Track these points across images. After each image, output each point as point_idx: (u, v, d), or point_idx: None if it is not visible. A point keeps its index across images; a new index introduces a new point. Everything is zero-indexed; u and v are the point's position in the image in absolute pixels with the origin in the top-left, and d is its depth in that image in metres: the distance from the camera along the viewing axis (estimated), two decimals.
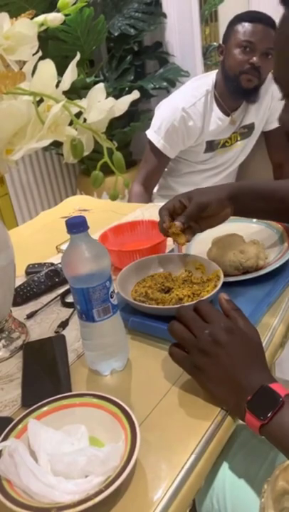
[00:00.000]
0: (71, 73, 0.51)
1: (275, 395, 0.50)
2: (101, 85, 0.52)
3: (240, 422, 0.58)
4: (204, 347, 0.55)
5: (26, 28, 0.51)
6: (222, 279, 0.73)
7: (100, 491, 0.44)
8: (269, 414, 0.49)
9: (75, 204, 1.35)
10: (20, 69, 0.53)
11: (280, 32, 0.57)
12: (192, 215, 0.76)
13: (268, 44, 1.38)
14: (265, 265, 0.80)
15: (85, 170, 2.50)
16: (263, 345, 0.65)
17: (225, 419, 0.56)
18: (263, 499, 0.38)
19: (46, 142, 0.48)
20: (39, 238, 1.16)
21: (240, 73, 1.41)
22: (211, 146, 1.55)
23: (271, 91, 1.55)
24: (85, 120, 0.51)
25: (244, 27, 1.39)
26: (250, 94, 1.46)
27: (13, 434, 0.52)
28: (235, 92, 1.45)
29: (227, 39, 1.45)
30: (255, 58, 1.38)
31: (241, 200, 0.81)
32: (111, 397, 0.55)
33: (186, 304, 0.69)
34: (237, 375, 0.53)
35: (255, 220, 0.95)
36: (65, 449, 0.50)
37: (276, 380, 0.53)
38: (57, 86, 0.52)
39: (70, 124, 0.52)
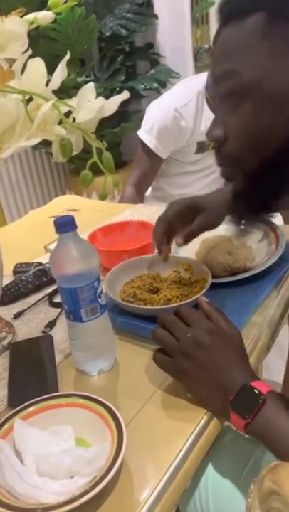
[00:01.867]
0: (61, 72, 0.51)
1: (257, 393, 0.50)
2: (91, 85, 0.52)
3: (226, 422, 0.58)
4: (187, 350, 0.55)
5: (16, 25, 0.50)
6: (210, 281, 0.73)
7: (86, 492, 0.44)
8: (252, 413, 0.49)
9: (64, 204, 1.34)
10: (10, 67, 0.52)
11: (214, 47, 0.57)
12: (195, 234, 0.78)
13: None
14: (252, 267, 0.81)
15: (74, 169, 2.49)
16: (250, 346, 0.66)
17: (211, 419, 0.56)
18: (249, 499, 0.38)
19: (35, 141, 0.48)
20: (27, 237, 1.15)
21: None
22: (202, 147, 1.56)
23: None
24: (74, 120, 0.51)
25: None
26: None
27: None
28: None
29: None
30: None
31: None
32: (98, 398, 0.55)
33: (174, 304, 0.69)
34: (220, 376, 0.54)
35: (243, 221, 0.95)
36: (51, 449, 0.49)
37: (259, 378, 0.53)
38: (47, 85, 0.51)
39: (60, 123, 0.52)
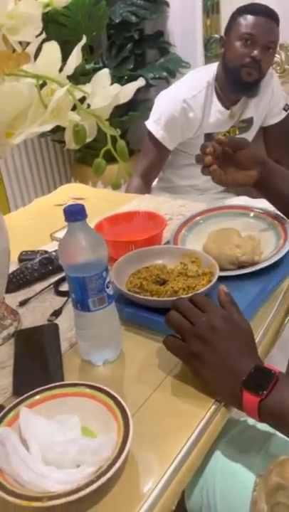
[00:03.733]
0: (76, 57, 0.50)
1: (270, 371, 0.52)
2: (106, 71, 0.51)
3: (233, 415, 0.58)
4: (201, 333, 0.56)
5: (31, 7, 0.49)
6: (217, 273, 0.72)
7: (91, 482, 0.43)
8: (267, 388, 0.50)
9: (69, 192, 1.33)
10: (23, 50, 0.51)
11: None
12: (232, 142, 0.81)
13: (270, 37, 1.37)
14: (260, 260, 0.80)
15: (80, 158, 2.47)
16: (257, 340, 0.66)
17: (218, 411, 0.56)
18: (254, 492, 0.38)
19: (48, 127, 0.47)
20: (33, 225, 1.14)
21: (240, 66, 1.40)
22: (209, 138, 1.54)
23: (272, 86, 1.55)
24: (88, 106, 0.50)
25: (246, 19, 1.38)
26: (250, 88, 1.45)
27: (4, 423, 0.51)
28: (235, 85, 1.44)
29: (229, 31, 1.44)
30: (256, 52, 1.37)
31: (268, 168, 0.84)
32: (104, 388, 0.54)
33: (182, 296, 0.69)
34: (232, 360, 0.55)
35: (252, 214, 0.94)
36: (57, 438, 0.49)
37: None
38: (60, 70, 0.50)
39: (73, 109, 0.51)
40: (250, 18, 1.38)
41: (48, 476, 0.45)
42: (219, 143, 0.81)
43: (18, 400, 0.54)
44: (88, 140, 0.51)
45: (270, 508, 0.36)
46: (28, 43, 0.52)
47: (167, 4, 2.24)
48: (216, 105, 1.49)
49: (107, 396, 0.53)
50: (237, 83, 1.43)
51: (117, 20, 2.18)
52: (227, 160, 0.83)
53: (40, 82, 0.49)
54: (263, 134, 1.68)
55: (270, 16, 1.37)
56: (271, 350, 0.74)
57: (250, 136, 1.63)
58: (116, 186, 0.53)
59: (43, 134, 2.30)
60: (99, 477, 0.44)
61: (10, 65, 0.45)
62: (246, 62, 1.38)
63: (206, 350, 0.55)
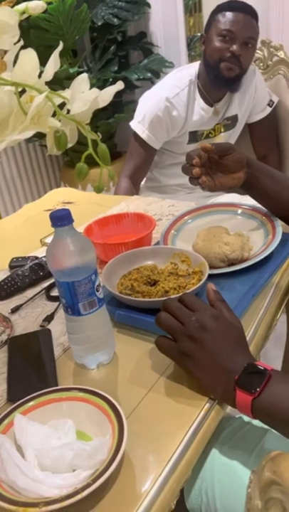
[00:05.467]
0: (54, 63, 0.50)
1: (262, 369, 0.52)
2: (84, 75, 0.51)
3: (228, 412, 0.58)
4: (192, 333, 0.56)
5: (7, 16, 0.49)
6: (207, 272, 0.73)
7: (88, 485, 0.44)
8: (259, 386, 0.50)
9: (59, 196, 1.33)
10: (1, 58, 0.52)
11: None
12: (217, 148, 0.82)
13: (248, 33, 1.38)
14: (249, 257, 0.81)
15: (69, 162, 2.47)
16: (249, 336, 0.67)
17: (212, 409, 0.56)
18: (249, 489, 0.39)
19: (29, 134, 0.47)
20: (23, 231, 1.14)
21: (220, 61, 1.41)
22: (195, 136, 1.55)
23: (255, 83, 1.55)
24: (68, 111, 0.51)
25: (225, 16, 1.40)
26: (232, 83, 1.46)
27: None
28: (216, 80, 1.45)
29: (208, 29, 1.45)
30: (235, 47, 1.38)
31: (254, 169, 0.85)
32: (98, 391, 0.55)
33: (172, 296, 0.69)
34: (224, 359, 0.55)
35: (240, 211, 0.95)
36: (52, 443, 0.49)
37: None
38: (39, 76, 0.51)
39: (54, 115, 0.51)
40: (228, 14, 1.39)
41: (44, 482, 0.45)
42: (204, 150, 0.81)
43: (12, 406, 0.54)
44: (70, 145, 0.51)
45: (263, 503, 0.36)
46: (5, 51, 0.52)
47: (148, 5, 2.24)
48: (200, 103, 1.50)
49: (101, 399, 0.54)
50: (218, 79, 1.44)
51: (100, 23, 2.18)
52: (214, 166, 0.84)
53: (20, 89, 0.49)
54: (249, 131, 1.69)
55: (248, 12, 1.38)
56: (265, 346, 0.75)
57: (236, 133, 1.64)
58: (99, 190, 0.54)
59: (30, 140, 2.30)
60: (95, 480, 0.44)
61: None
62: (225, 56, 1.40)
63: (197, 350, 0.56)
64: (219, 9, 1.42)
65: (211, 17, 1.45)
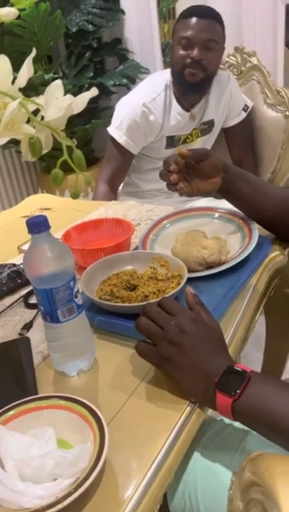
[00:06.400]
0: (27, 69, 0.50)
1: (241, 372, 0.53)
2: (58, 82, 0.51)
3: (209, 415, 0.59)
4: (171, 337, 0.56)
5: None
6: (186, 275, 0.73)
7: (69, 494, 0.43)
8: (239, 389, 0.50)
9: (36, 203, 1.32)
10: None
11: None
12: (194, 154, 0.82)
13: (206, 36, 1.39)
14: (227, 260, 0.82)
15: (45, 168, 2.45)
16: (228, 339, 0.67)
17: (193, 412, 0.56)
18: (230, 491, 0.39)
19: (3, 140, 0.47)
20: (0, 238, 1.13)
21: (182, 68, 1.44)
22: (172, 141, 1.56)
23: (230, 88, 1.58)
24: (43, 118, 0.50)
25: (182, 24, 1.42)
26: (199, 88, 1.48)
27: None
28: (183, 87, 1.48)
29: (172, 38, 1.48)
30: (194, 52, 1.40)
31: (230, 173, 0.85)
32: (78, 398, 0.54)
33: (152, 301, 0.69)
34: (203, 362, 0.55)
35: (217, 215, 0.96)
36: (33, 452, 0.49)
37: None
38: (13, 83, 0.50)
39: (28, 121, 0.51)
40: (185, 21, 1.42)
41: (24, 493, 0.44)
42: (181, 156, 0.82)
43: None
44: (45, 151, 0.51)
45: (245, 505, 0.37)
46: None
47: (123, 12, 2.25)
48: (176, 108, 1.51)
49: (82, 406, 0.53)
50: (184, 85, 1.46)
51: (74, 30, 2.18)
52: (191, 171, 0.85)
53: None
54: (225, 135, 1.71)
55: (205, 15, 1.40)
56: (244, 348, 0.75)
57: (212, 137, 1.66)
58: (75, 196, 0.53)
59: (6, 146, 2.27)
60: (76, 488, 0.44)
61: None
62: (187, 63, 1.42)
63: (177, 354, 0.56)
64: (179, 18, 1.45)
65: (173, 26, 1.48)
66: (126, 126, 1.49)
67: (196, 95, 1.52)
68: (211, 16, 1.41)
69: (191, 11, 1.42)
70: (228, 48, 1.74)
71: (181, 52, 1.42)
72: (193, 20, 1.39)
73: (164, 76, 1.53)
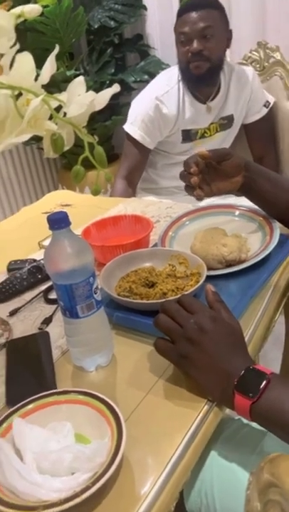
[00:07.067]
0: (50, 66, 0.50)
1: (261, 373, 0.52)
2: (81, 78, 0.51)
3: (227, 414, 0.58)
4: (190, 335, 0.56)
5: (3, 19, 0.49)
6: (205, 273, 0.73)
7: (87, 488, 0.44)
8: (258, 391, 0.50)
9: (56, 199, 1.33)
10: None
11: None
12: (215, 155, 0.81)
13: (200, 25, 1.38)
14: (247, 258, 0.81)
15: (66, 164, 2.47)
16: (247, 337, 0.67)
17: (211, 410, 0.56)
18: (248, 491, 0.39)
19: (26, 137, 0.47)
20: (20, 234, 1.14)
21: (186, 64, 1.44)
22: (189, 135, 1.55)
23: (250, 83, 1.56)
24: (65, 114, 0.51)
25: (179, 21, 1.43)
26: (207, 79, 1.47)
27: None
28: (192, 81, 1.47)
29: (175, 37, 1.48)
30: (194, 44, 1.40)
31: (252, 170, 0.84)
32: (96, 394, 0.55)
33: (170, 298, 0.69)
34: (222, 362, 0.55)
35: (237, 213, 0.95)
36: (51, 446, 0.49)
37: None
38: (36, 79, 0.51)
39: (50, 118, 0.51)
40: (181, 18, 1.42)
41: (42, 485, 0.45)
42: (202, 157, 0.81)
43: (11, 410, 0.54)
44: (66, 148, 0.51)
45: (262, 506, 0.36)
46: (2, 55, 0.52)
47: (145, 8, 2.25)
48: (191, 100, 1.51)
49: (100, 402, 0.53)
50: (192, 79, 1.46)
51: (96, 26, 2.19)
52: (211, 171, 0.83)
53: (16, 92, 0.49)
54: (245, 132, 1.69)
55: (199, 7, 1.39)
56: (264, 347, 0.75)
57: (232, 133, 1.64)
58: (96, 192, 0.54)
59: (27, 143, 2.30)
60: (94, 483, 0.44)
61: None
62: (189, 57, 1.42)
63: (195, 352, 0.56)
64: (176, 16, 1.46)
65: (174, 27, 1.48)
66: (140, 121, 1.49)
67: (207, 86, 1.51)
68: (204, 6, 1.40)
69: (186, 7, 1.44)
70: (251, 43, 1.72)
71: (182, 48, 1.43)
72: (188, 14, 1.40)
73: (176, 70, 1.52)
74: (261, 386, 0.50)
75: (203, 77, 1.44)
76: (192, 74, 1.44)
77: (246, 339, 0.65)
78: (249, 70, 1.56)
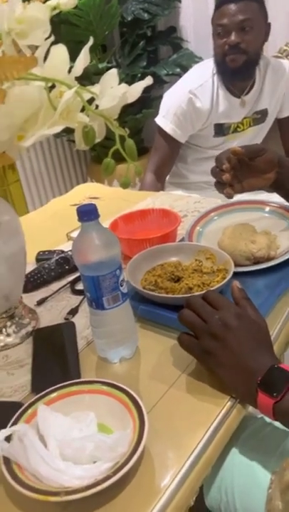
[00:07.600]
0: (84, 58, 0.50)
1: (286, 372, 0.51)
2: (114, 71, 0.51)
3: (250, 411, 0.58)
4: (214, 331, 0.56)
5: (39, 11, 0.50)
6: (232, 270, 0.72)
7: (108, 477, 0.44)
8: (282, 390, 0.49)
9: (85, 191, 1.35)
10: (33, 54, 0.52)
11: None
12: (248, 151, 0.79)
13: (239, 18, 1.36)
14: (276, 256, 0.80)
15: (95, 157, 2.49)
16: (273, 336, 0.66)
17: (234, 407, 0.56)
18: (270, 490, 0.38)
19: (58, 129, 0.48)
20: (49, 225, 1.16)
21: (223, 56, 1.42)
22: (221, 129, 1.53)
23: (286, 77, 1.52)
24: (97, 106, 0.51)
25: (217, 13, 1.41)
26: (243, 72, 1.44)
27: (22, 419, 0.52)
28: (228, 74, 1.45)
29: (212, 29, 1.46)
30: (231, 37, 1.37)
31: (286, 167, 0.82)
32: (120, 385, 0.55)
33: (196, 293, 0.69)
34: (246, 359, 0.54)
35: (267, 209, 0.94)
36: (74, 434, 0.50)
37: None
38: (69, 71, 0.51)
39: (82, 110, 0.51)
40: (220, 10, 1.40)
41: (65, 472, 0.45)
42: (234, 154, 0.80)
43: (36, 397, 0.56)
44: (98, 140, 0.51)
45: (284, 505, 0.36)
46: (37, 47, 0.52)
47: (179, 0, 2.22)
48: (225, 94, 1.48)
49: (123, 393, 0.54)
50: (228, 72, 1.44)
51: (129, 18, 2.18)
52: (244, 168, 0.82)
53: (49, 84, 0.49)
54: (279, 126, 1.66)
55: None
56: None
57: (265, 128, 1.62)
58: (125, 185, 0.54)
59: (58, 135, 2.32)
60: (116, 472, 0.45)
61: (19, 69, 0.45)
62: (226, 50, 1.40)
63: (219, 348, 0.55)
64: (214, 8, 1.44)
65: (211, 19, 1.46)
66: (172, 114, 1.48)
67: (242, 80, 1.48)
68: None
69: None
70: (287, 35, 1.68)
71: (219, 40, 1.41)
72: (227, 6, 1.38)
73: (211, 63, 1.50)
74: (285, 385, 0.50)
75: (239, 71, 1.42)
76: (228, 67, 1.42)
77: (272, 338, 0.65)
78: (286, 63, 1.53)
